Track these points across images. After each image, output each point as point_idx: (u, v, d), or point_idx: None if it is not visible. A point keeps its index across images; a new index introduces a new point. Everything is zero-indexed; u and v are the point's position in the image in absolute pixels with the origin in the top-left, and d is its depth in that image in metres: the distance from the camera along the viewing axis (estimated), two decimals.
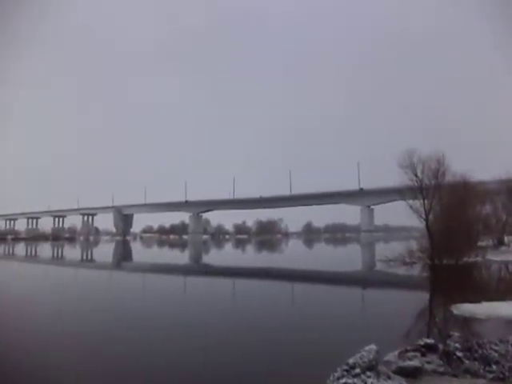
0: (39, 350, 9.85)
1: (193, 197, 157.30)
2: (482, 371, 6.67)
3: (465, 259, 29.73)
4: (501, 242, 43.65)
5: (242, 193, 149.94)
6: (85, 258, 55.56)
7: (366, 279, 25.79)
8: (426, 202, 29.70)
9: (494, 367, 6.71)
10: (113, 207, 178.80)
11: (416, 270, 26.58)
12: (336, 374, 6.03)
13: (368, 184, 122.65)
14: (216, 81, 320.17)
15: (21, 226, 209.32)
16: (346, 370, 6.04)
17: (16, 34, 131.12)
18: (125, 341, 10.42)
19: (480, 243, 37.84)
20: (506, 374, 6.52)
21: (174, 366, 8.46)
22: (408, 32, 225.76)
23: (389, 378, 6.13)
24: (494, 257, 33.11)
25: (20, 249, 77.82)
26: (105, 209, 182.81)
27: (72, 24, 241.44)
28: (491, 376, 6.51)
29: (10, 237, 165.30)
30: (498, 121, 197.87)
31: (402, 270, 26.59)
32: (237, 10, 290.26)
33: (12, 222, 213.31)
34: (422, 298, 17.41)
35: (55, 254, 61.40)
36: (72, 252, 68.09)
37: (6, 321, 13.27)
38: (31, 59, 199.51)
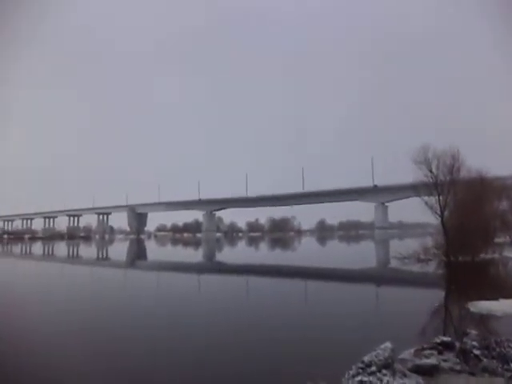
0: (61, 344, 10.08)
1: (206, 195, 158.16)
2: (500, 369, 6.57)
3: (481, 256, 29.27)
4: None
5: (255, 190, 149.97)
6: (100, 256, 56.39)
7: (380, 277, 25.57)
8: (441, 198, 29.32)
9: None
10: (127, 206, 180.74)
11: (431, 267, 26.27)
12: (351, 372, 6.02)
13: (377, 181, 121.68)
14: (216, 81, 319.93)
15: (37, 225, 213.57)
16: (362, 368, 6.03)
17: (16, 33, 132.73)
18: (141, 338, 10.57)
19: (497, 240, 37.18)
20: None
21: (199, 361, 8.57)
22: (408, 32, 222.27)
23: (405, 376, 6.09)
24: None
25: (37, 248, 79.30)
26: (119, 208, 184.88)
27: (72, 24, 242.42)
28: (509, 374, 6.41)
29: (27, 236, 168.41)
30: (499, 121, 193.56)
31: (416, 267, 26.32)
32: (237, 10, 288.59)
33: (29, 221, 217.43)
34: (437, 295, 17.22)
35: (71, 253, 62.41)
36: (88, 251, 69.18)
37: (27, 318, 13.57)
38: (31, 59, 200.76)
